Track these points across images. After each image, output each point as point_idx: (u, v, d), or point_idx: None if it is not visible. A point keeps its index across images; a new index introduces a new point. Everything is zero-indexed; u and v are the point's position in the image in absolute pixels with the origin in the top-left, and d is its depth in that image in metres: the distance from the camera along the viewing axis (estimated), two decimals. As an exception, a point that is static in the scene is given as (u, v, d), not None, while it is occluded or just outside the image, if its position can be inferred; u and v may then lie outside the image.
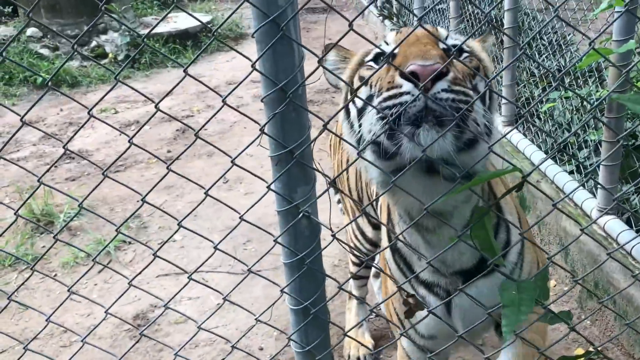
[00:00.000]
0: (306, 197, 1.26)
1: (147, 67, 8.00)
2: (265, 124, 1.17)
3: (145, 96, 1.41)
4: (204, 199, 1.32)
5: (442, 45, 1.30)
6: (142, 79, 7.66)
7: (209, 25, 8.73)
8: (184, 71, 1.14)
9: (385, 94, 1.20)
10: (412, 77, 1.15)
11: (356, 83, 1.45)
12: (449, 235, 1.47)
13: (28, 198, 1.66)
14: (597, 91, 3.32)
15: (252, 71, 1.13)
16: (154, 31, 8.12)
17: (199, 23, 8.62)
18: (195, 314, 3.23)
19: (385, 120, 1.19)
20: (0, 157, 1.51)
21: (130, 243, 3.98)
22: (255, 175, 1.33)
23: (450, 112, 1.16)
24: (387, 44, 1.45)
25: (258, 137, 1.22)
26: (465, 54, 1.40)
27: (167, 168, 1.26)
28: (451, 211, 1.45)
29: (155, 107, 1.17)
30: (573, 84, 3.61)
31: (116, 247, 3.92)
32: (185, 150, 1.45)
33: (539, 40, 4.35)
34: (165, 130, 5.94)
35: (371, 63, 1.42)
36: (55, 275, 3.72)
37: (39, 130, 1.45)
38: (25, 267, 3.75)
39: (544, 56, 4.28)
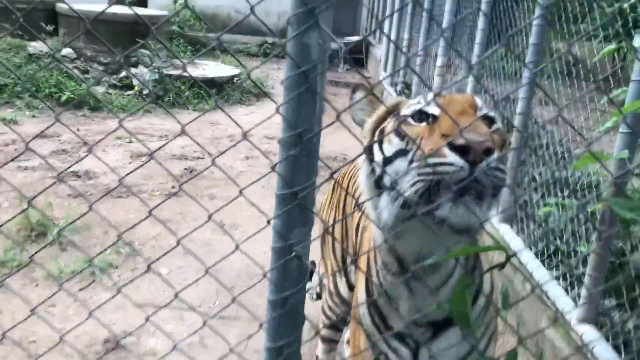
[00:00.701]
0: (301, 239, 1.34)
1: (169, 105, 8.24)
2: (277, 163, 1.27)
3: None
4: (194, 228, 1.40)
5: (478, 113, 1.42)
6: (162, 116, 7.87)
7: (235, 79, 9.08)
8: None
9: (431, 160, 1.26)
10: (462, 150, 1.23)
11: (384, 130, 1.55)
12: (434, 283, 1.54)
13: (22, 211, 1.73)
14: (592, 204, 3.43)
15: (272, 115, 1.23)
16: (182, 74, 8.42)
17: (226, 74, 8.91)
18: (165, 348, 3.22)
19: (425, 183, 1.27)
20: (8, 162, 1.60)
21: (117, 267, 4.01)
22: (257, 208, 1.41)
23: (490, 187, 1.25)
24: (428, 103, 1.49)
25: (268, 173, 1.32)
26: (495, 126, 1.49)
27: (180, 185, 1.34)
28: (443, 261, 1.54)
29: (182, 129, 1.27)
30: (571, 195, 3.73)
31: (102, 270, 3.94)
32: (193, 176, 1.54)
33: (544, 150, 4.52)
34: (174, 167, 6.07)
35: (410, 120, 1.47)
36: (37, 285, 3.73)
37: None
38: (6, 274, 3.77)
39: (546, 166, 4.43)
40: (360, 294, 1.87)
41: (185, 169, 6.04)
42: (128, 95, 8.27)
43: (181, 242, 1.47)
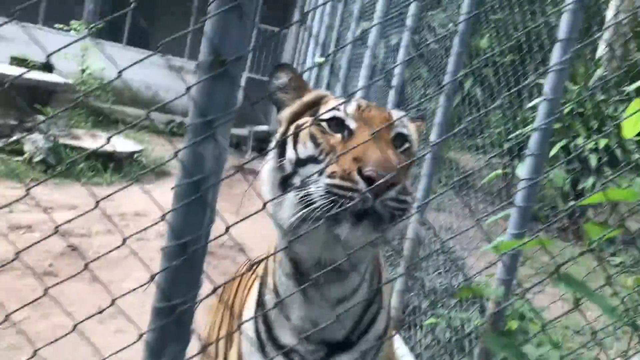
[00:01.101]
0: (175, 357, 1.24)
1: (61, 175, 7.82)
2: (157, 274, 1.19)
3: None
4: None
5: (392, 133, 1.49)
6: (51, 186, 7.43)
7: (135, 155, 8.84)
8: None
9: (339, 182, 1.31)
10: (369, 180, 1.27)
11: (299, 127, 1.53)
12: (336, 294, 1.49)
13: None
14: (477, 319, 3.53)
15: (159, 221, 1.17)
16: (80, 144, 8.11)
17: (127, 149, 8.66)
18: None
19: (328, 201, 1.30)
20: None
21: (-31, 354, 3.57)
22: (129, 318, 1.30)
23: (388, 217, 1.31)
24: (347, 114, 1.50)
25: (147, 283, 1.23)
26: (406, 144, 1.54)
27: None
28: (349, 270, 1.48)
29: (96, 204, 1.16)
30: (457, 309, 3.83)
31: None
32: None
33: (435, 258, 4.67)
34: (55, 244, 5.66)
35: (326, 126, 1.49)
36: None
37: None
38: None
39: (435, 273, 4.56)
40: (249, 304, 1.74)
41: (68, 246, 5.66)
42: (17, 161, 7.78)
43: (49, 330, 1.32)
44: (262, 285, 1.69)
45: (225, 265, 6.25)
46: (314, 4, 10.67)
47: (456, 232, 6.18)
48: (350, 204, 1.28)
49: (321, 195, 1.33)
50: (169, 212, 1.16)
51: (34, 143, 7.94)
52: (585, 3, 2.56)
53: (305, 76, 9.38)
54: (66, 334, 1.29)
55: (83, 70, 10.88)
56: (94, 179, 8.12)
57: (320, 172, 1.38)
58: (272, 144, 1.59)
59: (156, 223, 1.22)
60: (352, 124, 1.47)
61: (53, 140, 8.03)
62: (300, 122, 1.56)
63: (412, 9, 4.74)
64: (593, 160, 7.54)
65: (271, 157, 1.55)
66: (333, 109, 1.52)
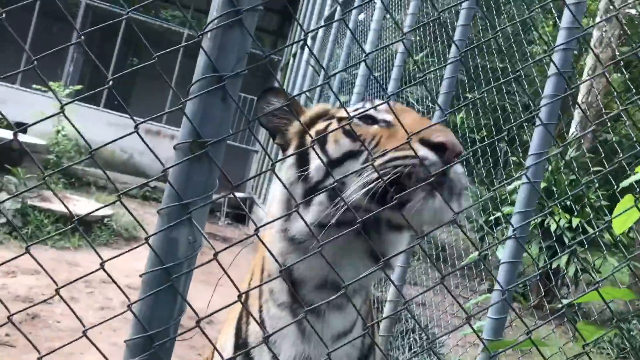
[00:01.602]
0: None
1: (26, 239, 7.56)
2: (133, 303, 1.08)
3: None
4: None
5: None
6: (14, 249, 7.17)
7: (105, 219, 8.65)
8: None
9: (400, 153, 1.21)
10: (438, 147, 1.20)
11: (320, 130, 1.44)
12: (336, 327, 1.36)
13: None
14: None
15: (125, 311, 1.08)
16: (48, 207, 7.90)
17: (97, 213, 8.46)
18: None
19: (390, 176, 1.19)
20: None
21: None
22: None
23: (459, 186, 1.24)
24: (378, 110, 1.42)
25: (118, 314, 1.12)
26: None
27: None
28: (351, 295, 1.36)
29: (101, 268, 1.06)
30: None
31: None
32: None
33: (411, 336, 4.55)
34: (14, 310, 5.38)
35: (359, 122, 1.39)
36: None
37: None
38: None
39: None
40: (224, 339, 1.53)
41: (28, 314, 5.38)
42: (-20, 222, 7.53)
43: None
44: (241, 322, 1.50)
45: (195, 339, 6.00)
46: (294, 76, 10.87)
47: (430, 307, 6.07)
48: (430, 177, 1.18)
49: (366, 184, 1.24)
50: (135, 301, 1.07)
51: (1, 204, 7.71)
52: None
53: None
54: None
55: (58, 131, 10.77)
56: (61, 242, 7.87)
57: (363, 163, 1.30)
58: (290, 152, 1.48)
59: (118, 315, 1.12)
60: (387, 117, 1.40)
61: (21, 201, 7.82)
62: (318, 128, 1.47)
63: (390, 86, 4.82)
64: (566, 238, 7.60)
65: (288, 175, 1.42)
66: (358, 109, 1.46)
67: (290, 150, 1.48)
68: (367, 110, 1.43)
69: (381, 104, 1.43)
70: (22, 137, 9.29)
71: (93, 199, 10.32)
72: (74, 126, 1.07)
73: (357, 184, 1.25)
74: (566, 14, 2.54)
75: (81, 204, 8.71)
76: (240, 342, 1.47)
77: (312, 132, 1.46)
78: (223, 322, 1.53)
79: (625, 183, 1.26)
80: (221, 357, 1.31)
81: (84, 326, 1.12)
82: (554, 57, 2.58)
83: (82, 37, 1.05)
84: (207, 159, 1.08)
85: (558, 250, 7.77)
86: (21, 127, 9.95)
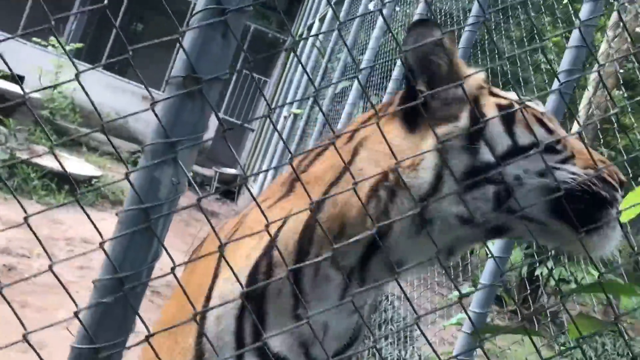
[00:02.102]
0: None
1: (9, 191, 7.45)
2: (81, 309, 1.02)
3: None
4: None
5: None
6: (-1, 200, 7.07)
7: (93, 180, 8.55)
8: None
9: (608, 177, 1.20)
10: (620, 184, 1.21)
11: (490, 112, 1.24)
12: (366, 297, 1.33)
13: None
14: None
15: (96, 249, 1.01)
16: (37, 162, 7.78)
17: (86, 173, 8.37)
18: None
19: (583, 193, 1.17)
20: None
21: None
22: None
23: None
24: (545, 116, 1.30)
25: (69, 319, 1.05)
26: None
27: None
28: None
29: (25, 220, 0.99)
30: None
31: None
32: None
33: (389, 325, 4.52)
34: (-10, 261, 5.31)
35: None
36: None
37: None
38: None
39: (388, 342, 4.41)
40: (231, 283, 1.27)
41: (4, 265, 5.31)
42: (-34, 168, 7.41)
43: None
44: (259, 270, 1.29)
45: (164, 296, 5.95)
46: (296, 60, 10.77)
47: (413, 302, 6.05)
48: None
49: (581, 190, 1.18)
50: (108, 240, 1.01)
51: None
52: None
53: (279, 126, 9.34)
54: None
55: (54, 87, 10.61)
56: (46, 198, 7.77)
57: (563, 162, 1.22)
58: (463, 116, 1.25)
59: (91, 251, 1.06)
60: (550, 125, 1.29)
61: (9, 152, 7.71)
62: (501, 102, 1.28)
63: (395, 73, 4.75)
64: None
65: (453, 138, 1.21)
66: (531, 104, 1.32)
67: (463, 119, 1.24)
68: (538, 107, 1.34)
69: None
70: (17, 89, 9.18)
71: (83, 158, 10.21)
72: (88, 96, 1.00)
73: (544, 181, 1.17)
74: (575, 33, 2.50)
75: (70, 162, 8.60)
76: (252, 295, 1.26)
77: (487, 103, 1.27)
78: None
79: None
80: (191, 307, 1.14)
81: (61, 284, 1.05)
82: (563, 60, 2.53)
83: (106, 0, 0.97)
84: (200, 97, 1.01)
85: (538, 258, 7.76)
86: (20, 80, 9.79)
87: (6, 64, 0.96)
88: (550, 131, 1.24)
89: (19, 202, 1.07)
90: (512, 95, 1.32)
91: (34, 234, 1.11)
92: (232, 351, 1.27)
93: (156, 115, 1.00)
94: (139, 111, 1.02)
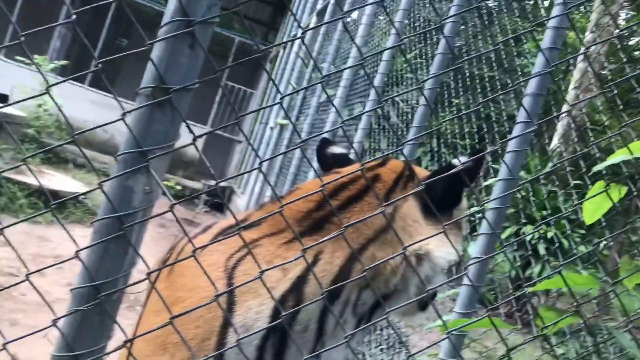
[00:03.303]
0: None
1: (-3, 210, 7.43)
2: (59, 318, 1.04)
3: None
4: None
5: None
6: (-16, 220, 7.04)
7: (81, 197, 8.52)
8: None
9: None
10: None
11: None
12: None
13: None
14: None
15: (73, 257, 1.04)
16: (24, 180, 7.76)
17: (72, 190, 8.33)
18: None
19: None
20: None
21: None
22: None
23: None
24: None
25: (48, 327, 1.07)
26: None
27: None
28: None
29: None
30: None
31: None
32: None
33: (379, 332, 4.53)
34: (-22, 281, 5.28)
35: None
36: None
37: None
38: None
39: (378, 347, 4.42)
40: (255, 312, 1.29)
41: (-8, 285, 5.27)
42: (-48, 189, 7.38)
43: None
44: (286, 304, 1.30)
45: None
46: (282, 68, 10.82)
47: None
48: None
49: None
50: (83, 248, 1.03)
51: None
52: (547, 89, 2.59)
53: (266, 136, 9.37)
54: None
55: (39, 105, 10.59)
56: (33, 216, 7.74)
57: None
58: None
59: (65, 260, 1.08)
60: None
61: (-5, 171, 7.68)
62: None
63: (377, 81, 4.79)
64: (541, 249, 7.64)
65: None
66: None
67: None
68: None
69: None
70: (2, 108, 9.14)
71: (70, 175, 10.18)
72: (59, 108, 1.03)
73: None
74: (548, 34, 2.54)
75: (56, 180, 8.58)
76: (279, 326, 1.27)
77: None
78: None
79: (598, 167, 1.24)
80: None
81: (46, 303, 1.07)
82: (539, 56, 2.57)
83: (74, 16, 0.99)
84: (169, 107, 1.04)
85: (532, 261, 7.81)
86: (3, 99, 9.78)
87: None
88: None
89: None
90: None
91: (13, 248, 1.12)
92: None
93: (127, 125, 1.02)
94: (108, 122, 1.05)
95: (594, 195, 1.13)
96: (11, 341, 1.07)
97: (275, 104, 1.21)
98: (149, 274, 1.05)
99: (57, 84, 1.03)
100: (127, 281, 1.08)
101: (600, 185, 1.13)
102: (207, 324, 1.19)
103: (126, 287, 1.06)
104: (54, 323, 1.04)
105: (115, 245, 1.04)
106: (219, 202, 12.29)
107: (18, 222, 1.24)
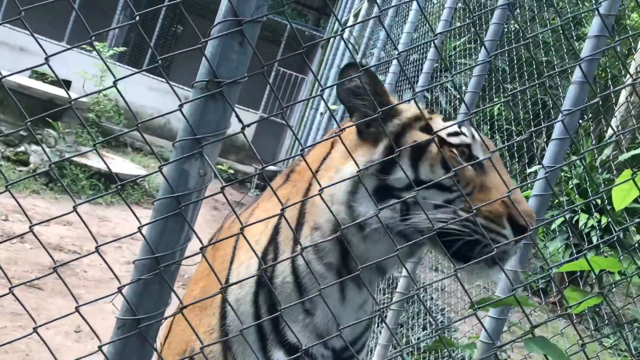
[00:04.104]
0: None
1: (61, 191, 7.84)
2: (124, 285, 1.17)
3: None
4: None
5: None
6: (49, 199, 7.45)
7: (138, 179, 8.87)
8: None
9: (488, 224, 1.32)
10: (520, 229, 1.33)
11: (409, 142, 1.43)
12: (361, 299, 1.47)
13: None
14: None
15: (135, 232, 1.17)
16: (85, 162, 8.14)
17: (131, 172, 8.69)
18: None
19: (472, 237, 1.32)
20: None
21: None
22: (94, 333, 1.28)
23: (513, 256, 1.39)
24: (474, 139, 1.47)
25: (114, 294, 1.21)
26: None
27: (10, 290, 1.21)
28: (384, 273, 1.51)
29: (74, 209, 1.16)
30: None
31: None
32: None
33: (422, 317, 4.61)
34: (45, 257, 5.62)
35: (455, 151, 1.44)
36: None
37: None
38: None
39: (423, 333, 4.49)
40: (243, 265, 1.48)
41: (57, 261, 5.61)
42: (20, 171, 7.83)
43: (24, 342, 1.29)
44: (267, 256, 1.46)
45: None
46: (333, 54, 10.88)
47: (447, 292, 6.11)
48: (497, 246, 1.31)
49: (461, 229, 1.33)
50: (145, 224, 1.16)
51: (40, 155, 8.00)
52: (595, 76, 2.58)
53: (316, 121, 9.48)
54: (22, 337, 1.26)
55: (100, 91, 11.03)
56: (94, 196, 8.14)
57: (450, 202, 1.37)
58: (379, 151, 1.45)
59: (130, 235, 1.21)
60: (480, 154, 1.44)
61: (59, 154, 8.09)
62: (416, 138, 1.45)
63: (425, 68, 4.81)
64: (594, 238, 7.49)
65: (365, 160, 1.43)
66: (457, 133, 1.46)
67: (379, 150, 1.45)
68: (461, 139, 1.47)
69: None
70: (65, 93, 9.52)
71: (128, 159, 10.59)
72: (124, 100, 1.16)
73: (433, 216, 1.32)
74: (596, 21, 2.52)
75: (116, 163, 8.96)
76: (263, 280, 1.42)
77: (408, 138, 1.45)
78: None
79: (623, 157, 1.27)
80: (219, 282, 1.28)
81: (117, 278, 1.21)
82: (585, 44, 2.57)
83: (137, 17, 1.12)
84: (221, 99, 1.15)
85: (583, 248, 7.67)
86: (67, 85, 10.20)
87: (53, 71, 1.12)
88: (449, 169, 1.37)
89: (70, 195, 1.23)
90: (438, 121, 1.51)
91: (86, 225, 1.26)
92: (254, 335, 1.43)
93: (183, 115, 1.14)
94: (168, 112, 1.17)
95: (621, 183, 1.18)
96: (83, 305, 1.22)
97: (317, 96, 1.31)
98: (201, 248, 1.17)
99: (127, 76, 1.16)
100: (183, 254, 1.21)
101: (627, 173, 1.18)
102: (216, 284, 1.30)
103: (182, 259, 1.19)
104: (120, 290, 1.18)
105: (173, 222, 1.16)
106: (266, 185, 12.48)
107: (84, 202, 1.39)
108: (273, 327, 1.42)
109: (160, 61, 1.18)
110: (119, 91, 1.12)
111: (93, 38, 1.14)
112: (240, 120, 1.15)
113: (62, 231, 6.31)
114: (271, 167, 13.22)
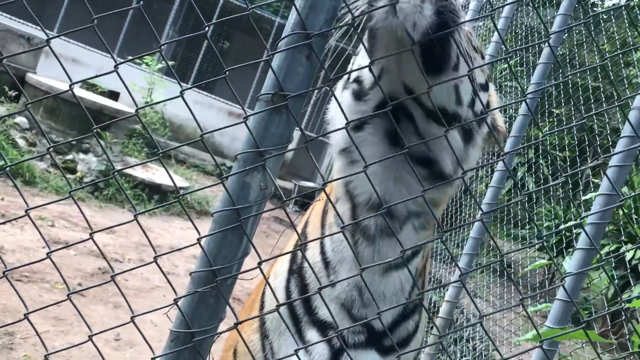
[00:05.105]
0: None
1: (105, 199, 8.00)
2: (180, 297, 1.16)
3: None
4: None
5: None
6: (94, 207, 7.60)
7: (181, 191, 8.99)
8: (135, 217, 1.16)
9: None
10: None
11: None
12: (388, 254, 1.37)
13: None
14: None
15: (194, 244, 1.15)
16: (129, 172, 8.30)
17: (173, 184, 8.84)
18: None
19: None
20: None
21: (-15, 358, 3.58)
22: (146, 341, 1.27)
23: None
24: None
25: (169, 306, 1.20)
26: None
27: (68, 296, 1.21)
28: (404, 218, 1.39)
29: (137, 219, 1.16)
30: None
31: (-32, 356, 3.51)
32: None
33: (465, 344, 4.49)
34: (88, 264, 5.72)
35: None
36: None
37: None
38: None
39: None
40: (277, 270, 1.58)
41: (99, 268, 5.71)
42: (68, 179, 8.02)
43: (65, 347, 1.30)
44: (297, 246, 1.55)
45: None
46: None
47: (488, 320, 5.95)
48: None
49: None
50: (204, 236, 1.15)
51: (87, 164, 8.19)
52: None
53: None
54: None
55: (146, 102, 11.29)
56: (138, 207, 8.27)
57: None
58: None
59: (189, 246, 1.20)
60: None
61: (106, 164, 8.27)
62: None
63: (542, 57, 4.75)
64: (642, 270, 7.22)
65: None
66: None
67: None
68: None
69: None
70: (113, 104, 9.79)
71: (172, 170, 10.76)
72: (191, 112, 1.16)
73: None
74: None
75: (160, 174, 9.10)
76: (295, 267, 1.53)
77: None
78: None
79: None
80: (269, 284, 1.34)
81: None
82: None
83: (208, 28, 1.12)
84: (286, 112, 1.14)
85: (631, 282, 7.39)
86: (115, 96, 10.49)
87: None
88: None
89: (131, 202, 1.22)
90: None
91: (143, 231, 1.26)
92: (289, 320, 1.47)
93: (248, 127, 1.13)
94: (229, 125, 1.16)
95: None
96: (138, 315, 1.21)
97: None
98: (259, 263, 1.15)
99: (188, 88, 1.15)
100: (240, 268, 1.19)
101: None
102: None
103: (240, 273, 1.17)
104: (175, 302, 1.17)
105: (232, 235, 1.15)
106: (307, 202, 12.52)
107: (143, 212, 1.38)
108: (305, 309, 1.47)
109: (209, 71, 1.17)
110: (186, 103, 1.12)
111: (160, 48, 1.14)
112: (304, 135, 1.13)
113: (105, 239, 6.42)
114: (311, 184, 13.25)
